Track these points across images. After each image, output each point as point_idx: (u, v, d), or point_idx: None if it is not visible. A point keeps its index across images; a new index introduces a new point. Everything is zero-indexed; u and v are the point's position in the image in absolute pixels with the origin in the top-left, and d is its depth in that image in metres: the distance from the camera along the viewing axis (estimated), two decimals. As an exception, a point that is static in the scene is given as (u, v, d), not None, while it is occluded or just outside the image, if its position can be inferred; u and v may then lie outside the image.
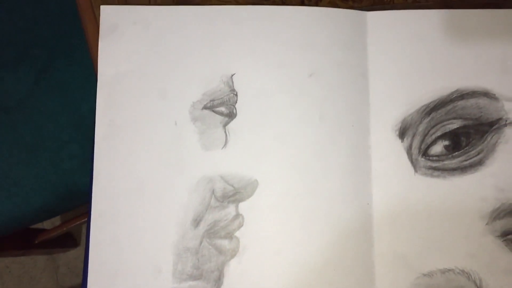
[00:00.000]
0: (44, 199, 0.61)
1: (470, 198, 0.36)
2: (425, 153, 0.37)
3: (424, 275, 0.35)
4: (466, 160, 0.36)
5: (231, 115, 0.37)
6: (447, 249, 0.35)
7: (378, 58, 0.38)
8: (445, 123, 0.37)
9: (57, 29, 0.64)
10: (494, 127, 0.37)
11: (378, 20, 0.38)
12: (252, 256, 0.35)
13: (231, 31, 0.38)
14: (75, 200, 0.63)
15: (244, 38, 0.38)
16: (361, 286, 0.35)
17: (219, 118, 0.37)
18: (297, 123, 0.37)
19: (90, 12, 0.40)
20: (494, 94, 0.37)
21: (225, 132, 0.37)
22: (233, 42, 0.38)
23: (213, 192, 0.36)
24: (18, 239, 0.76)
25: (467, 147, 0.37)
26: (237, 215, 0.36)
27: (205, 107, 0.37)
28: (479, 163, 0.36)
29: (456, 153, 0.36)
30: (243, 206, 0.36)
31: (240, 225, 0.36)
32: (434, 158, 0.37)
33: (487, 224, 0.35)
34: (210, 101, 0.37)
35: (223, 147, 0.37)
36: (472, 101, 0.37)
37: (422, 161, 0.37)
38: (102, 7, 0.38)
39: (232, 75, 0.38)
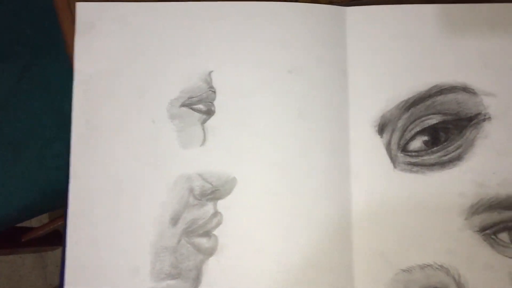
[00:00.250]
0: (29, 198, 0.61)
1: (449, 194, 0.36)
2: (404, 149, 0.37)
3: (403, 271, 0.35)
4: (445, 156, 0.36)
5: (209, 113, 0.37)
6: (426, 244, 0.35)
7: (357, 54, 0.38)
8: (424, 118, 0.37)
9: (40, 27, 0.64)
10: (473, 122, 0.37)
11: (357, 15, 0.38)
12: (231, 255, 0.35)
13: (209, 27, 0.38)
14: (61, 198, 0.63)
15: (223, 35, 0.38)
16: (340, 283, 0.35)
17: (197, 115, 0.37)
18: (276, 120, 0.37)
19: (67, 9, 0.40)
20: (473, 89, 0.37)
21: (203, 129, 0.37)
22: (211, 38, 0.38)
23: (191, 190, 0.36)
24: (5, 238, 0.76)
25: (446, 142, 0.36)
26: (216, 213, 0.36)
27: (183, 105, 0.37)
28: (458, 158, 0.36)
29: (435, 148, 0.36)
30: (221, 204, 0.36)
31: (219, 223, 0.36)
32: (413, 153, 0.36)
33: (465, 219, 0.36)
34: (188, 98, 0.37)
35: (201, 145, 0.37)
36: (451, 96, 0.37)
37: (401, 156, 0.37)
38: (78, 4, 0.38)
39: (210, 72, 0.37)
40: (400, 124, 0.37)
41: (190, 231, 0.35)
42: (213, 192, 0.36)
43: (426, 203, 0.36)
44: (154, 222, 0.36)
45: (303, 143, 0.37)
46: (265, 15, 0.38)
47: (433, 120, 0.37)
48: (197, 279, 0.35)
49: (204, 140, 0.37)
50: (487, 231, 0.35)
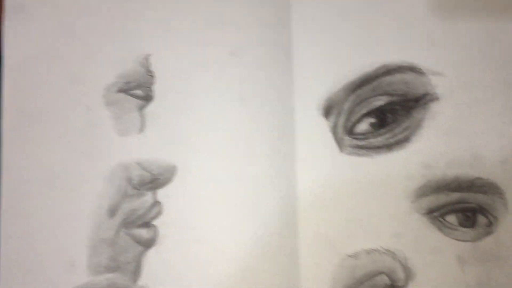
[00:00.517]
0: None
1: (396, 176, 0.35)
2: (350, 132, 0.36)
3: (349, 256, 0.34)
4: (392, 138, 0.35)
5: (147, 98, 0.35)
6: (372, 229, 0.34)
7: (302, 34, 0.36)
8: (371, 100, 0.36)
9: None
10: (420, 103, 0.36)
11: (303, -6, 0.37)
12: (172, 245, 0.34)
13: (146, 8, 0.36)
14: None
15: (160, 16, 0.36)
16: (285, 272, 0.34)
17: (135, 101, 0.35)
18: (218, 105, 0.35)
19: (-4, -9, 0.37)
20: (421, 69, 0.36)
21: (141, 116, 0.35)
22: (149, 20, 0.36)
23: (129, 180, 0.34)
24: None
25: (393, 124, 0.35)
26: (155, 203, 0.34)
27: (119, 90, 0.35)
28: (405, 140, 0.35)
29: (382, 130, 0.35)
30: (162, 194, 0.34)
31: (159, 213, 0.34)
32: (360, 136, 0.35)
33: (413, 202, 0.35)
34: (125, 83, 0.35)
35: (139, 132, 0.35)
36: (398, 76, 0.36)
37: (347, 139, 0.35)
38: (5, -15, 0.36)
39: (148, 56, 0.36)
40: (346, 106, 0.36)
41: (128, 222, 0.34)
42: (153, 181, 0.34)
43: (373, 187, 0.35)
44: (91, 214, 0.34)
45: (246, 127, 0.35)
46: (207, -5, 0.36)
47: (380, 101, 0.36)
48: (136, 271, 0.34)
49: (143, 127, 0.35)
50: (435, 214, 0.35)
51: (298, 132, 0.35)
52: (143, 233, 0.34)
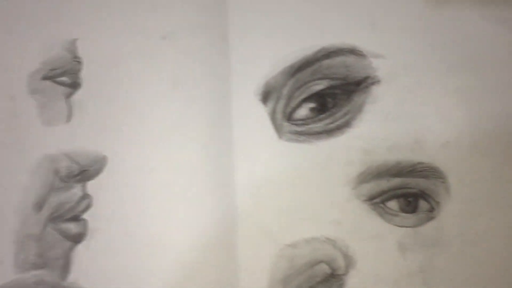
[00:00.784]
0: None
1: (337, 163, 0.34)
2: (290, 117, 0.34)
3: (288, 245, 0.33)
4: (332, 123, 0.34)
5: (74, 86, 0.34)
6: (312, 217, 0.34)
7: (239, 17, 0.35)
8: (310, 84, 0.34)
9: None
10: (361, 86, 0.35)
11: (240, -26, 0.35)
12: (103, 239, 0.33)
13: (73, -10, 0.34)
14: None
15: (89, -1, 0.34)
16: (223, 263, 0.33)
17: (61, 89, 0.33)
18: (149, 91, 0.34)
19: None
20: (361, 51, 0.35)
21: (68, 104, 0.33)
22: (75, 3, 0.34)
23: (56, 172, 0.33)
24: None
25: (333, 109, 0.34)
26: (84, 196, 0.33)
27: (44, 78, 0.33)
28: (346, 125, 0.34)
29: (322, 115, 0.34)
30: (91, 185, 0.33)
31: (88, 206, 0.33)
32: (300, 122, 0.34)
33: (353, 188, 0.34)
34: (50, 70, 0.33)
35: (67, 122, 0.33)
36: (338, 60, 0.35)
37: (286, 126, 0.34)
38: None
39: (74, 40, 0.34)
40: (285, 91, 0.34)
41: (56, 217, 0.33)
42: (81, 172, 0.33)
43: (313, 174, 0.34)
44: (16, 208, 0.32)
45: (180, 115, 0.34)
46: (140, -24, 0.34)
47: (320, 85, 0.34)
48: (65, 268, 0.32)
49: (70, 116, 0.33)
50: (376, 200, 0.34)
51: (235, 119, 0.34)
52: (71, 227, 0.33)
